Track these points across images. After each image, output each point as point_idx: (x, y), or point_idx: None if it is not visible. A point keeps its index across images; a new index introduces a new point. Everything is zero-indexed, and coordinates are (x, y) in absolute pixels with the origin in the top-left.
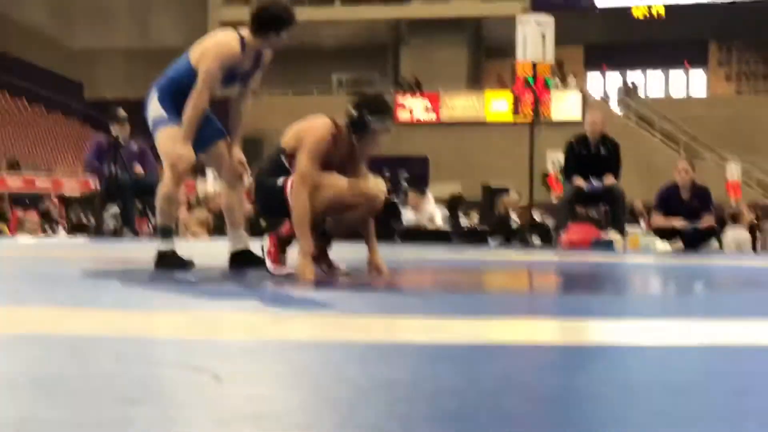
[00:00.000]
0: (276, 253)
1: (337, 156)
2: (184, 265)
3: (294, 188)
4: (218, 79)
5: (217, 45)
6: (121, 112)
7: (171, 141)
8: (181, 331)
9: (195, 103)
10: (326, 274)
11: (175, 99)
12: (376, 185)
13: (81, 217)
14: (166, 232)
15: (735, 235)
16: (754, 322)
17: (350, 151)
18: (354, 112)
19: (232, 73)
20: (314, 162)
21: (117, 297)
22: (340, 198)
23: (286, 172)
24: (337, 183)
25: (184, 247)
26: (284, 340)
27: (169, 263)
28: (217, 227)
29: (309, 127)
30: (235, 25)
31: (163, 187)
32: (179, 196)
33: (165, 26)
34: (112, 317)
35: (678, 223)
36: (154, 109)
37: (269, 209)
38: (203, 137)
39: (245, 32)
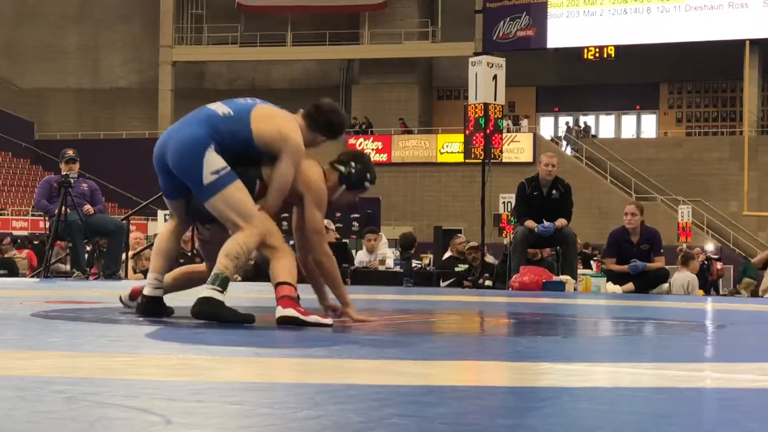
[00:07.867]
0: (296, 303)
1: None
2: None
3: (320, 249)
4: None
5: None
6: (71, 152)
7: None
8: (130, 372)
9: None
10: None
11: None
12: None
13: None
14: (227, 282)
15: (683, 277)
16: (703, 365)
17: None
18: (353, 169)
19: None
20: (322, 214)
21: (67, 338)
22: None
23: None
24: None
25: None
26: (233, 382)
27: (217, 315)
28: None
29: (307, 170)
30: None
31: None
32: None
33: (115, 66)
34: (62, 359)
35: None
36: (213, 161)
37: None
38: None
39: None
